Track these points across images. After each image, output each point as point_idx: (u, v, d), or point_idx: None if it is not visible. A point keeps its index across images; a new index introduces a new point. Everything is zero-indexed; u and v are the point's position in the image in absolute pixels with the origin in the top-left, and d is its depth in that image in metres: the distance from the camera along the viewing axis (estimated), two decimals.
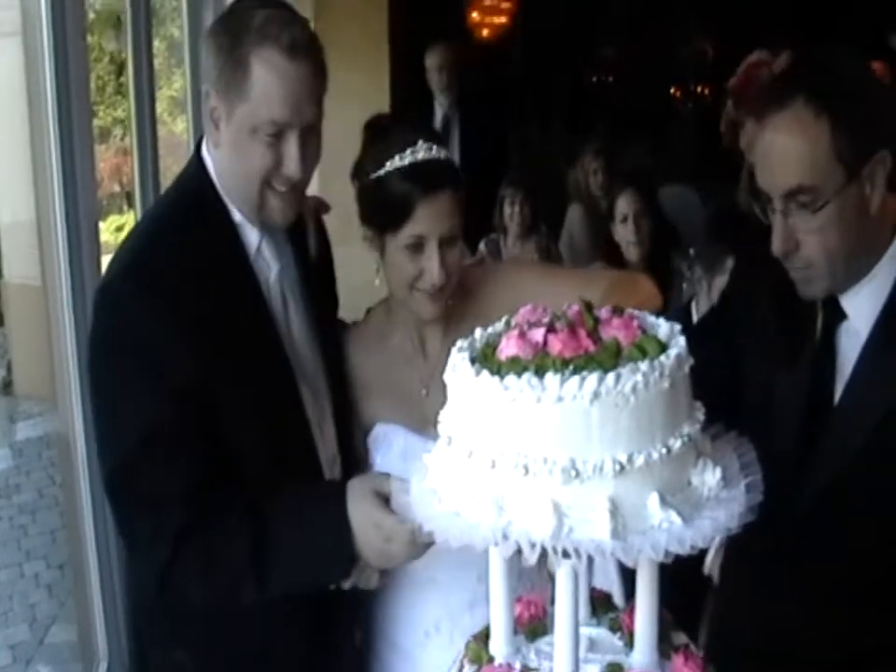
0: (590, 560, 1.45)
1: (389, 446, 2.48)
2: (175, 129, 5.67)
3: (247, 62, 2.13)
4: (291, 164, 2.19)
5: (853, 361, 2.15)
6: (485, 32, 10.13)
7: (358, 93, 6.65)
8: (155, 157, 4.37)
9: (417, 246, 2.33)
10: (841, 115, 1.99)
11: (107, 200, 4.87)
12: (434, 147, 2.35)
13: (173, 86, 5.66)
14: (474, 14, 10.18)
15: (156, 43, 4.72)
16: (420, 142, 2.33)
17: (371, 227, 2.40)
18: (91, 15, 4.68)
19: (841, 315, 2.17)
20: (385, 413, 2.51)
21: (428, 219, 2.31)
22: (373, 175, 2.35)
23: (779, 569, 2.21)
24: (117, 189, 5.04)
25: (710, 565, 2.71)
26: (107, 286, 2.27)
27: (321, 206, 2.60)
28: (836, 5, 9.86)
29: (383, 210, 2.35)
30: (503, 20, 10.26)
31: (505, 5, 10.24)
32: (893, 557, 2.13)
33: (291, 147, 2.18)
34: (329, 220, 2.65)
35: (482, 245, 6.21)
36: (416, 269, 2.35)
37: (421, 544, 2.05)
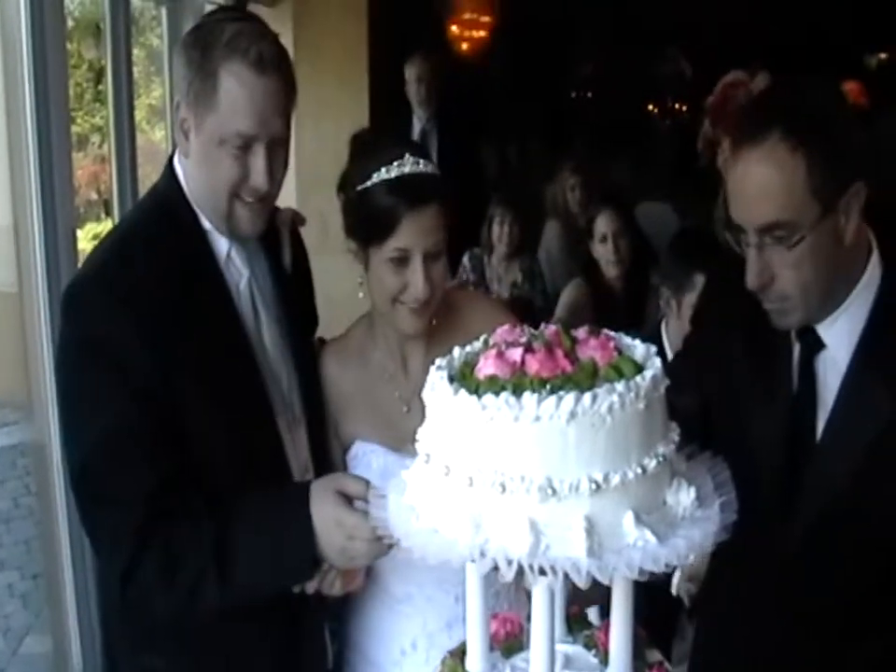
0: (566, 578, 1.46)
1: (368, 465, 2.47)
2: (153, 137, 5.66)
3: (216, 74, 2.16)
4: (258, 177, 2.22)
5: (834, 392, 2.14)
6: (465, 46, 10.16)
7: (337, 107, 6.66)
8: (133, 165, 4.37)
9: (402, 260, 2.32)
10: (817, 149, 1.98)
11: (85, 207, 4.86)
12: (421, 161, 2.34)
13: (152, 94, 5.65)
14: (453, 28, 10.21)
15: (135, 51, 4.72)
16: (407, 155, 2.33)
17: (355, 239, 2.40)
18: (71, 22, 4.67)
19: (819, 345, 2.16)
20: (364, 430, 2.51)
21: (413, 233, 2.31)
22: (359, 188, 2.34)
23: (764, 605, 2.21)
24: (94, 196, 5.03)
25: (677, 586, 2.72)
26: (75, 287, 2.27)
27: (296, 218, 2.61)
28: (814, 25, 9.96)
29: (368, 223, 2.34)
30: (482, 34, 10.30)
31: (484, 19, 10.28)
32: (879, 592, 2.14)
33: (258, 160, 2.21)
34: (307, 232, 2.66)
35: (465, 260, 6.21)
36: (400, 283, 2.34)
37: (383, 542, 2.07)
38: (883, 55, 10.93)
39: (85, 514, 2.28)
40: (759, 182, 2.01)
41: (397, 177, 2.31)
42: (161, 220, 2.32)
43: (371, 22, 7.22)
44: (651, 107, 10.87)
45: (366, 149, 2.43)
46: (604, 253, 5.21)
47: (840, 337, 2.14)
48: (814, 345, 2.17)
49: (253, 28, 2.21)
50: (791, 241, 2.01)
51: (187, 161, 2.29)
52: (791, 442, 2.18)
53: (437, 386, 1.56)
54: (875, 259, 2.15)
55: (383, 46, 7.22)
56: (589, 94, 12.25)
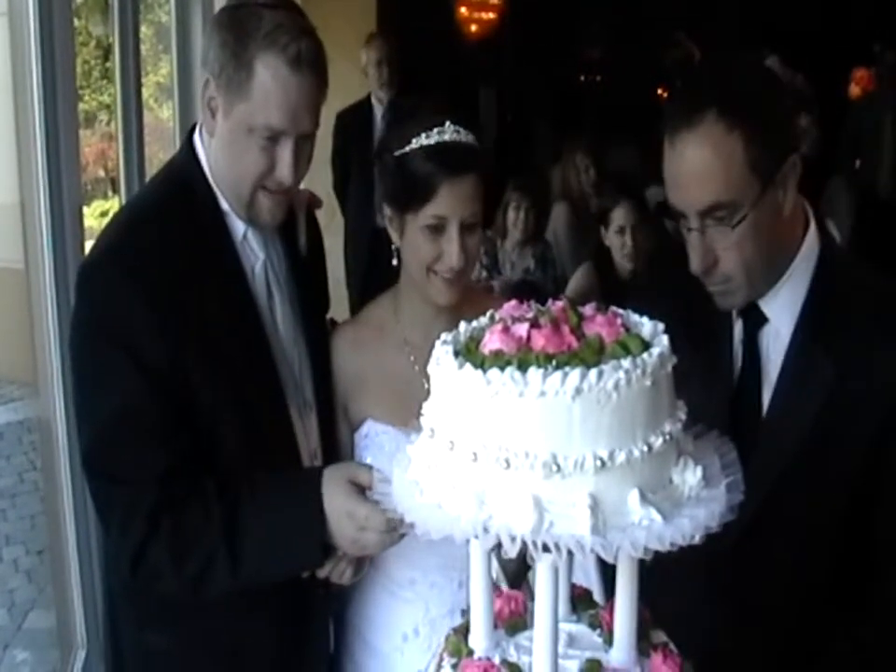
0: (570, 555, 1.44)
1: (380, 446, 2.45)
2: (161, 115, 5.64)
3: (251, 65, 2.14)
4: (284, 170, 2.21)
5: (778, 366, 2.14)
6: (473, 28, 10.11)
7: (346, 87, 6.64)
8: (140, 143, 4.35)
9: (438, 228, 2.30)
10: (752, 126, 1.98)
11: (92, 185, 4.84)
12: (461, 130, 2.32)
13: (159, 72, 5.63)
14: (462, 9, 10.16)
15: (143, 28, 4.69)
16: (448, 123, 2.30)
17: (391, 206, 2.38)
18: None
19: (762, 320, 2.16)
20: (376, 410, 2.48)
21: (451, 201, 2.29)
22: (397, 153, 2.32)
23: (709, 589, 2.16)
24: (101, 174, 5.01)
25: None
26: (89, 265, 2.27)
27: (313, 201, 2.60)
28: (824, 12, 9.90)
29: (405, 189, 2.32)
30: (491, 16, 10.25)
31: (493, 1, 10.23)
32: (827, 572, 2.12)
33: (285, 154, 2.20)
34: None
35: None
36: (435, 251, 2.32)
37: (395, 533, 2.06)
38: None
39: (95, 493, 2.29)
40: (698, 165, 2.00)
41: (437, 144, 2.29)
42: (177, 197, 2.30)
43: (380, 3, 7.20)
44: (659, 91, 10.78)
45: (405, 115, 2.42)
46: (619, 245, 5.17)
47: (783, 309, 2.14)
48: (757, 320, 2.17)
49: (294, 22, 2.18)
50: (733, 220, 2.00)
51: (210, 139, 2.27)
52: (737, 420, 2.14)
53: (442, 360, 1.54)
54: (812, 229, 2.15)
55: (392, 27, 7.20)
56: (598, 78, 12.18)
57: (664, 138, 2.07)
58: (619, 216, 5.17)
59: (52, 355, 3.28)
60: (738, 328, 2.22)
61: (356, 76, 6.79)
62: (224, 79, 2.17)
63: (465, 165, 2.30)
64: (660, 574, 2.26)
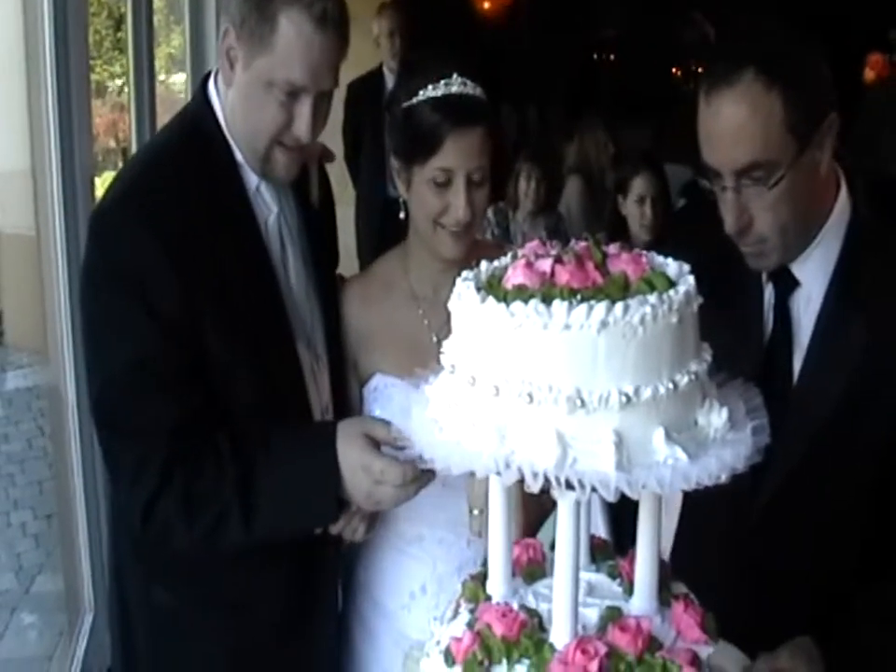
0: (593, 491, 1.41)
1: (389, 399, 2.43)
2: (172, 86, 5.61)
3: (275, 19, 2.11)
4: (301, 127, 2.19)
5: (809, 331, 2.11)
6: (487, 5, 10.07)
7: (355, 56, 6.59)
8: (152, 114, 4.33)
9: (444, 181, 2.29)
10: (791, 85, 1.94)
11: (103, 155, 4.82)
12: (469, 82, 2.30)
13: (171, 43, 5.60)
14: None
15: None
16: (455, 75, 2.29)
17: (399, 158, 2.37)
18: None
19: (793, 284, 2.13)
20: (385, 363, 2.46)
21: (457, 153, 2.27)
22: (405, 104, 2.31)
23: (737, 564, 2.13)
24: (113, 144, 4.99)
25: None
26: (101, 212, 2.24)
27: (325, 154, 2.57)
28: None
29: (412, 141, 2.30)
30: None
31: None
32: (859, 539, 2.07)
33: (304, 110, 2.18)
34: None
35: (490, 214, 6.12)
36: (442, 204, 2.31)
37: (412, 486, 2.04)
38: None
39: (105, 445, 2.26)
40: (736, 123, 1.96)
41: (444, 95, 2.28)
42: (191, 145, 2.27)
43: None
44: (674, 71, 10.78)
45: (414, 67, 2.40)
46: (638, 214, 5.11)
47: (815, 273, 2.10)
48: (788, 284, 2.13)
49: None
50: (770, 181, 1.97)
51: (227, 89, 2.24)
52: (767, 386, 2.08)
53: (464, 295, 1.51)
54: (843, 191, 2.12)
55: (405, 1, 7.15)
56: (612, 57, 12.13)
57: (699, 96, 2.03)
58: (639, 185, 5.10)
59: (63, 322, 3.28)
60: (769, 291, 2.18)
61: (368, 46, 6.74)
62: (246, 31, 2.14)
63: (471, 117, 2.28)
64: (687, 545, 2.26)
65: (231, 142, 2.27)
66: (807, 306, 2.12)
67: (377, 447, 2.08)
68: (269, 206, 2.31)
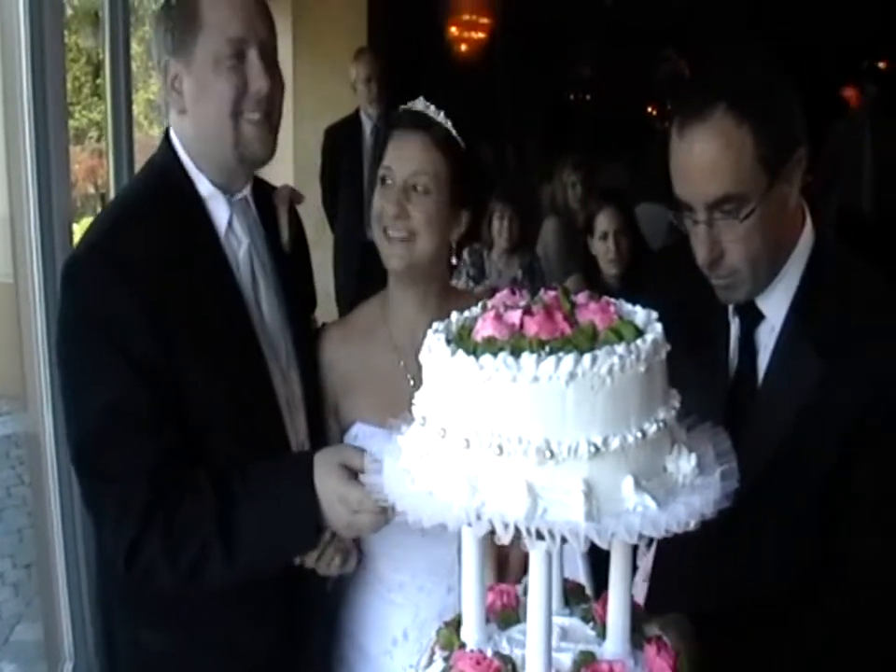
0: (563, 542, 1.43)
1: (370, 449, 2.44)
2: (151, 132, 5.64)
3: (196, 7, 2.21)
4: (258, 79, 2.24)
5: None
6: (464, 47, 10.16)
7: (336, 102, 6.65)
8: (130, 160, 4.33)
9: (384, 179, 2.42)
10: (762, 120, 2.00)
11: (82, 201, 4.84)
12: (432, 106, 2.43)
13: (150, 89, 5.64)
14: (453, 29, 10.21)
15: (133, 45, 4.70)
16: (422, 98, 2.44)
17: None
18: (69, 11, 4.65)
19: (759, 317, 2.17)
20: (365, 411, 2.48)
21: (393, 155, 2.41)
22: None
23: (707, 567, 2.15)
24: (91, 190, 5.01)
25: None
26: (73, 260, 2.26)
27: (294, 196, 2.60)
28: (815, 30, 9.97)
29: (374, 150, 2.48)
30: (481, 35, 10.31)
31: (483, 21, 10.29)
32: (810, 561, 2.09)
33: (253, 62, 2.24)
34: (305, 225, 2.65)
35: (465, 255, 6.16)
36: (379, 206, 2.42)
37: (388, 514, 2.06)
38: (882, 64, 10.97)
39: (87, 492, 2.27)
40: (708, 158, 2.01)
41: (401, 110, 2.45)
42: (158, 191, 2.31)
43: (370, 20, 7.22)
44: (649, 109, 10.86)
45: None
46: (603, 251, 5.17)
47: (777, 305, 2.15)
48: (753, 317, 2.18)
49: None
50: (741, 213, 2.02)
51: (182, 117, 2.29)
52: (733, 413, 2.12)
53: (434, 348, 1.53)
54: (808, 225, 2.17)
55: (382, 43, 7.21)
56: (587, 97, 12.24)
57: (671, 131, 2.08)
58: (602, 221, 5.18)
59: (41, 369, 3.28)
60: (735, 326, 2.22)
61: (345, 91, 6.79)
62: (176, 40, 2.22)
63: (410, 124, 2.42)
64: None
65: (195, 176, 2.31)
66: (770, 337, 2.16)
67: (354, 476, 2.10)
68: (240, 239, 2.35)
